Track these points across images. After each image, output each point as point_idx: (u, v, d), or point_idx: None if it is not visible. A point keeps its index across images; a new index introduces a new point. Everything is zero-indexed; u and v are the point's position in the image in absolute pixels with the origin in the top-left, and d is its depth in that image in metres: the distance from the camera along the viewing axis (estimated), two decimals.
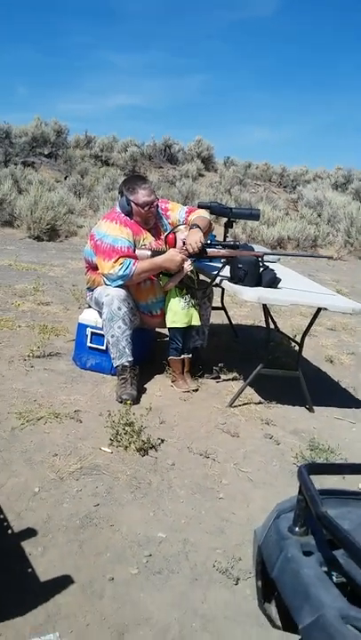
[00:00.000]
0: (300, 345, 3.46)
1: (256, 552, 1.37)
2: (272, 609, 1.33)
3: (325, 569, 1.17)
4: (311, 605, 1.08)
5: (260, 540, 1.35)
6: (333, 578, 1.15)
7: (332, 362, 4.42)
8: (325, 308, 3.19)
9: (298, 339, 3.58)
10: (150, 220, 3.48)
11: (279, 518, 1.34)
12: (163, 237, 3.49)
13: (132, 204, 3.39)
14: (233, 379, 3.71)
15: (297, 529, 1.27)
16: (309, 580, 1.13)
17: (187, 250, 3.29)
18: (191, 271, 3.49)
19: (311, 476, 1.26)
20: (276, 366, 3.52)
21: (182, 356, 3.50)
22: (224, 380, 3.68)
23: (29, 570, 1.86)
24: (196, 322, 3.50)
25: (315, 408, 3.42)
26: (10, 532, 2.03)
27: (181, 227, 3.48)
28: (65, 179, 12.91)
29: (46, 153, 14.24)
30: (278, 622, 1.32)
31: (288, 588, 1.17)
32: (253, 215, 3.97)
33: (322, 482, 2.23)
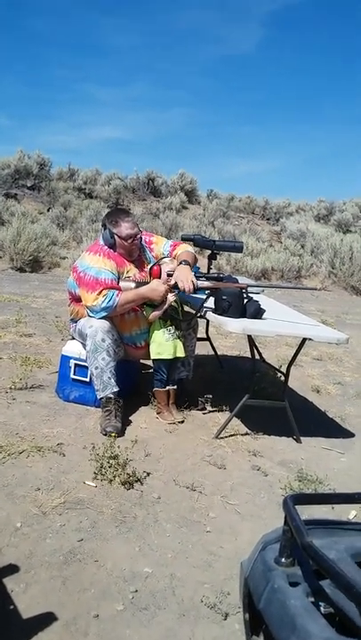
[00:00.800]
0: (286, 375, 3.46)
1: (243, 584, 1.34)
2: None
3: (313, 599, 1.15)
4: (298, 636, 1.06)
5: (247, 572, 1.32)
6: (321, 608, 1.13)
7: (318, 392, 4.41)
8: (310, 339, 3.20)
9: (283, 369, 3.58)
10: (134, 252, 3.49)
11: (265, 550, 1.32)
12: (147, 269, 3.50)
13: (116, 236, 3.40)
14: (219, 410, 3.69)
15: (283, 560, 1.25)
16: (296, 610, 1.10)
17: (184, 289, 3.27)
18: (175, 302, 3.49)
19: (299, 507, 1.25)
20: (262, 397, 3.50)
21: (167, 388, 3.47)
22: (210, 412, 3.65)
23: (11, 607, 1.80)
24: (180, 353, 3.48)
25: (302, 438, 3.40)
26: None
27: (166, 259, 3.49)
28: (48, 210, 12.99)
29: (29, 185, 14.34)
30: None
31: (275, 619, 1.14)
32: (237, 247, 4.00)
33: (311, 513, 2.21)
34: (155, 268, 3.43)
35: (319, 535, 1.29)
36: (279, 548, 1.26)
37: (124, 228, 3.39)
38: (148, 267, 3.51)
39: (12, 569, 1.98)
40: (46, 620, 1.77)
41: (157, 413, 3.47)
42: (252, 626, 1.30)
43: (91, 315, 3.33)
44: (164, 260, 3.49)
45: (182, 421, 3.43)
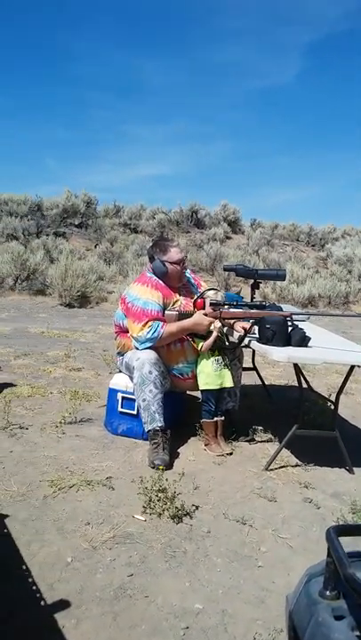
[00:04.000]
0: (336, 404, 3.39)
1: (287, 618, 1.31)
2: None
3: (358, 633, 1.11)
4: None
5: (292, 606, 1.29)
6: None
7: None
8: (359, 366, 3.14)
9: (333, 398, 3.52)
10: (183, 277, 3.55)
11: (310, 582, 1.28)
12: (192, 301, 3.53)
13: (167, 263, 3.46)
14: (268, 440, 3.64)
15: (328, 592, 1.21)
16: None
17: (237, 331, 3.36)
18: (221, 332, 3.49)
19: (350, 540, 1.21)
20: (312, 427, 3.44)
21: (215, 419, 3.45)
22: (259, 442, 3.61)
23: None
24: (229, 383, 3.47)
25: (355, 469, 3.32)
26: (43, 603, 1.98)
27: (210, 292, 3.51)
28: (95, 247, 13.25)
29: (77, 223, 14.72)
30: None
31: None
32: (279, 276, 3.99)
33: None
34: (199, 300, 3.45)
35: None
36: (323, 580, 1.23)
37: (174, 252, 3.48)
38: (193, 299, 3.54)
39: (63, 604, 1.98)
40: None
41: (205, 445, 3.45)
42: None
43: (136, 345, 3.37)
44: (208, 293, 3.51)
45: (231, 453, 3.39)
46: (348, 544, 2.34)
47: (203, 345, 3.41)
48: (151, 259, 3.56)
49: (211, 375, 3.43)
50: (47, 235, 12.95)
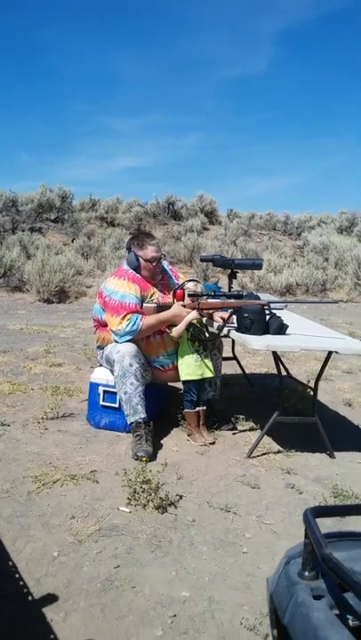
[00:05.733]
0: (315, 390, 3.43)
1: (268, 600, 1.33)
2: None
3: (337, 612, 1.13)
4: None
5: (272, 588, 1.31)
6: (350, 622, 1.12)
7: (350, 405, 4.36)
8: (336, 352, 3.17)
9: (312, 384, 3.55)
10: (157, 275, 3.54)
11: (289, 564, 1.31)
12: (171, 293, 3.53)
13: (141, 259, 3.46)
14: (250, 429, 3.67)
15: (306, 573, 1.23)
16: (319, 622, 1.09)
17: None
18: (200, 322, 3.51)
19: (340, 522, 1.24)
20: (292, 413, 3.48)
21: (198, 409, 3.47)
22: (241, 431, 3.64)
23: (52, 636, 1.81)
24: (209, 373, 3.49)
25: (336, 454, 3.36)
26: (30, 598, 1.99)
27: (189, 284, 3.52)
28: (72, 241, 13.17)
29: (52, 218, 14.61)
30: None
31: (299, 632, 1.13)
32: (256, 265, 4.01)
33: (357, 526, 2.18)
34: (178, 291, 3.46)
35: (343, 547, 1.27)
36: (302, 561, 1.25)
37: (150, 250, 3.46)
38: (173, 291, 3.54)
39: (51, 598, 1.99)
40: None
41: (188, 435, 3.47)
42: None
43: (115, 338, 3.38)
44: (187, 284, 3.52)
45: (213, 442, 3.42)
46: (332, 527, 2.38)
47: (174, 330, 3.42)
48: (128, 250, 3.56)
49: (191, 366, 3.45)
50: (23, 230, 12.83)
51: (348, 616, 1.13)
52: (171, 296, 3.51)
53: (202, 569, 2.23)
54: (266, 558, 2.32)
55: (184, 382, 3.50)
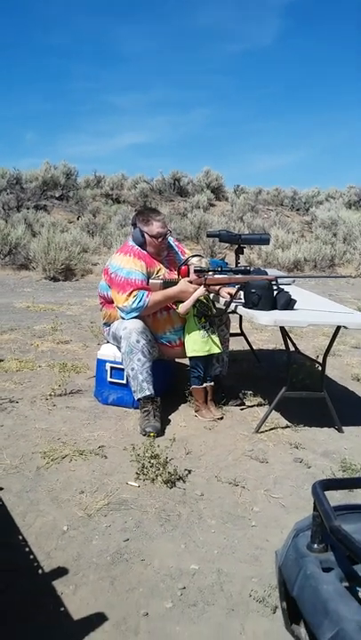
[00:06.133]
0: (323, 365, 3.42)
1: (277, 573, 1.33)
2: (301, 630, 1.27)
3: (347, 584, 1.13)
4: (330, 620, 1.04)
5: (281, 561, 1.31)
6: (359, 594, 1.11)
7: (359, 380, 4.35)
8: (344, 326, 3.15)
9: (320, 359, 3.54)
10: (162, 251, 3.51)
11: (298, 537, 1.31)
12: (176, 269, 3.51)
13: (146, 235, 3.43)
14: (258, 404, 3.67)
15: (315, 546, 1.23)
16: (328, 595, 1.09)
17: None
18: (207, 299, 3.49)
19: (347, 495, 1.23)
20: (300, 389, 3.47)
21: (205, 385, 3.47)
22: (249, 407, 3.64)
23: (62, 609, 1.83)
24: (216, 349, 3.48)
25: (344, 428, 3.36)
26: (40, 571, 2.00)
27: (194, 259, 3.49)
28: (77, 219, 13.11)
29: (57, 195, 14.51)
30: None
31: (308, 605, 1.13)
32: (263, 240, 3.97)
33: None
34: (183, 267, 3.44)
35: (352, 520, 1.27)
36: (310, 534, 1.25)
37: (155, 226, 3.42)
38: (178, 266, 3.52)
39: (60, 572, 2.00)
40: (97, 620, 1.78)
41: (196, 411, 3.47)
42: (291, 614, 1.29)
43: (122, 315, 3.36)
44: (191, 260, 3.50)
45: (221, 418, 3.42)
46: (341, 500, 2.39)
47: (180, 306, 3.40)
48: (134, 226, 3.53)
49: (198, 342, 3.43)
50: (27, 208, 12.75)
51: (358, 588, 1.13)
52: (176, 272, 3.49)
53: (211, 542, 2.24)
54: (274, 531, 2.33)
55: (191, 358, 3.49)
